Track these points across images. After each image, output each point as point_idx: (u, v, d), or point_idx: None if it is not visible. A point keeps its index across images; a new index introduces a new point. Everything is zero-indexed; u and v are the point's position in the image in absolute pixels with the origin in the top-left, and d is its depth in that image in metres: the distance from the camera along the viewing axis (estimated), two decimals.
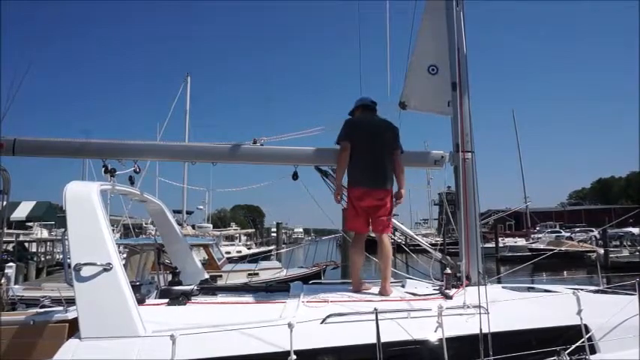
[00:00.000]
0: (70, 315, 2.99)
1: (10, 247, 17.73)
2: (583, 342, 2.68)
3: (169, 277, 4.08)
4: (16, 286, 10.01)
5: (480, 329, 2.58)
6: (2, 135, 3.51)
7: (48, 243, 21.73)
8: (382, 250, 3.57)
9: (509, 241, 31.17)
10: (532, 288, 3.78)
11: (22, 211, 25.00)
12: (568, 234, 32.54)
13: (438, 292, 3.42)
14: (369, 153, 3.54)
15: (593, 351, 2.76)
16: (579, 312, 2.69)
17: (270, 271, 12.40)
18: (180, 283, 3.78)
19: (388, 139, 3.64)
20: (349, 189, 3.60)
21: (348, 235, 3.99)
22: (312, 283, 4.30)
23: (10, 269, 10.14)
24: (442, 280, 3.62)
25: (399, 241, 4.56)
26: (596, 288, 3.76)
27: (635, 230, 25.28)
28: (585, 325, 2.71)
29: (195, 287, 3.49)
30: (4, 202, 3.55)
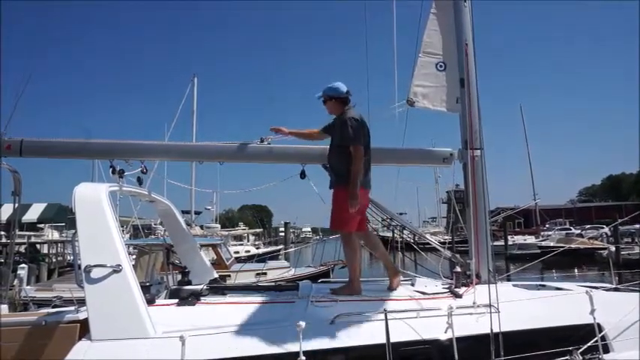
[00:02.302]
0: (82, 315, 3.00)
1: (22, 249, 17.96)
2: (596, 341, 2.64)
3: (178, 277, 4.09)
4: (28, 287, 10.12)
5: (491, 329, 2.56)
6: (9, 136, 3.52)
7: (59, 244, 21.94)
8: (380, 244, 3.65)
9: (519, 239, 30.92)
10: (543, 286, 3.73)
11: (33, 213, 25.25)
12: (578, 231, 32.21)
13: (447, 290, 3.39)
14: (367, 154, 3.49)
15: (606, 350, 2.72)
16: (592, 311, 2.65)
17: (278, 271, 12.42)
18: (189, 283, 3.79)
19: None
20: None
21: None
22: (321, 282, 4.29)
23: (23, 270, 10.23)
24: (452, 279, 3.59)
25: (408, 239, 4.53)
26: (609, 286, 3.71)
27: None
28: (598, 324, 2.67)
29: (205, 287, 3.50)
30: (16, 204, 3.58)
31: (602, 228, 26.37)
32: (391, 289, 3.45)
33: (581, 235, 27.97)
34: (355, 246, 3.51)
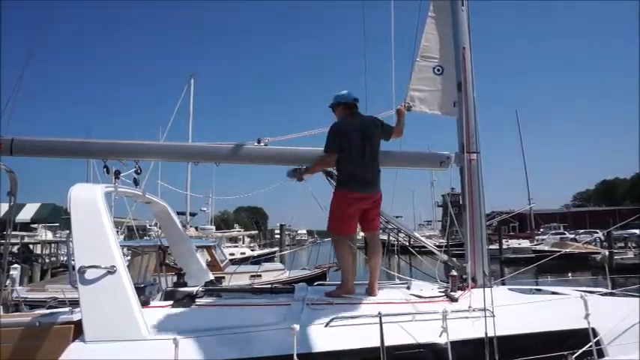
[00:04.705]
0: (76, 317, 2.98)
1: (14, 249, 17.80)
2: (591, 346, 2.65)
3: (172, 279, 4.07)
4: (20, 288, 10.01)
5: (486, 333, 2.56)
6: (2, 134, 3.46)
7: (52, 245, 21.79)
8: (380, 249, 3.64)
9: (513, 243, 31.04)
10: (539, 290, 3.74)
11: (26, 213, 25.01)
12: (572, 235, 32.40)
13: (443, 294, 3.39)
14: (364, 155, 3.47)
15: (601, 355, 2.72)
16: (587, 315, 2.66)
17: (272, 273, 12.39)
18: (185, 285, 3.77)
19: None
20: (345, 192, 3.47)
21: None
22: (317, 284, 4.28)
23: (15, 271, 10.13)
24: (448, 282, 3.59)
25: (404, 242, 4.53)
26: (604, 290, 3.72)
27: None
28: (593, 329, 2.68)
29: (200, 289, 3.48)
30: (12, 204, 3.54)
31: (596, 232, 26.52)
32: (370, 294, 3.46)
33: (575, 240, 28.15)
34: (343, 246, 3.52)
